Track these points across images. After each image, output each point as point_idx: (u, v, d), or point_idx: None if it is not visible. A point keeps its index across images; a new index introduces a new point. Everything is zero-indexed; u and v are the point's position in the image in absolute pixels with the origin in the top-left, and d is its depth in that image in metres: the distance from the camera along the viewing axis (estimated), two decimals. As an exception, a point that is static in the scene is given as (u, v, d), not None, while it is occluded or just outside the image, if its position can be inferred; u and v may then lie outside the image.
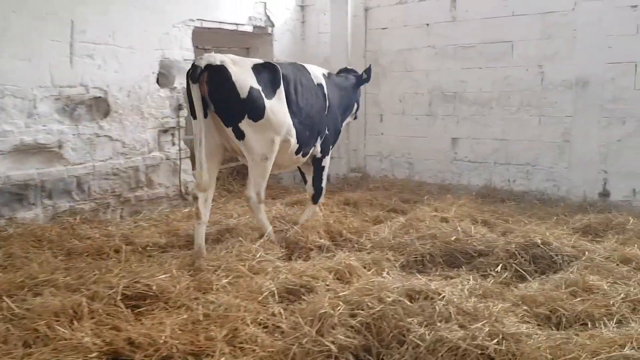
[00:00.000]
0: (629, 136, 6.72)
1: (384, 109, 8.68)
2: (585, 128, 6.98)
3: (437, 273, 4.74)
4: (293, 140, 5.36)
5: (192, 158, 8.24)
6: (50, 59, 5.99)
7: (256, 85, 4.93)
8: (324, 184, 6.12)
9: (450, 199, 6.90)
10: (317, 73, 5.89)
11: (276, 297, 3.86)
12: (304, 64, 5.95)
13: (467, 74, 7.84)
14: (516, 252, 4.65)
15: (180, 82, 7.35)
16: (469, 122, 7.93)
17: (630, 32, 6.58)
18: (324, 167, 6.04)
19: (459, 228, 5.31)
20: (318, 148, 5.90)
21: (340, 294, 3.50)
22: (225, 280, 4.27)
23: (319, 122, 5.74)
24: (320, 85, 5.80)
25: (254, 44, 8.86)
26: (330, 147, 6.12)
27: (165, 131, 7.33)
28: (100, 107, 6.58)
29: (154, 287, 3.96)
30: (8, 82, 5.68)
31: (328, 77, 6.06)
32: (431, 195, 7.58)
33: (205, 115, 4.86)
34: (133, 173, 6.92)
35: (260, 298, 3.81)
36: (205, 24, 7.59)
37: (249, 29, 8.32)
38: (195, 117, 4.85)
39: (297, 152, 5.56)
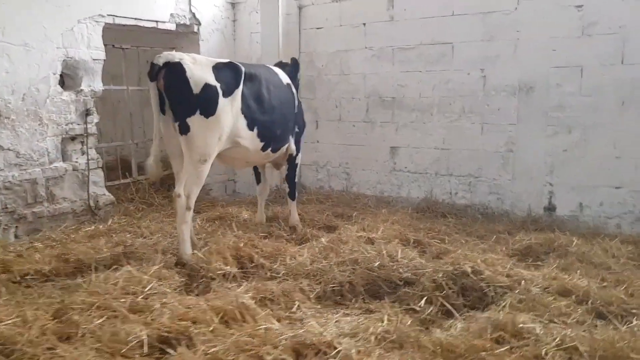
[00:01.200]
0: (576, 146, 6.25)
1: (320, 114, 8.05)
2: (530, 137, 6.49)
3: (357, 305, 4.17)
4: (244, 141, 5.36)
5: (105, 168, 7.52)
6: None
7: (213, 83, 4.93)
8: (296, 180, 6.44)
9: (383, 215, 6.31)
10: (282, 72, 6.06)
11: (145, 348, 3.15)
12: (268, 66, 6.13)
13: (406, 77, 7.27)
14: (444, 283, 4.06)
15: (89, 84, 6.59)
16: (409, 130, 7.36)
17: (575, 34, 6.11)
18: (297, 164, 6.35)
19: (384, 252, 4.70)
20: (293, 146, 6.15)
21: (213, 349, 2.82)
22: (97, 322, 3.55)
23: (292, 119, 6.02)
24: (288, 84, 6.01)
25: (179, 44, 8.12)
26: (301, 143, 6.39)
27: (73, 139, 6.55)
28: (-13, 112, 5.77)
29: (-5, 335, 3.21)
30: None
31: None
32: (367, 210, 7.00)
33: (163, 112, 4.97)
34: (30, 187, 6.11)
35: (124, 350, 3.10)
36: (118, 20, 6.83)
37: (171, 27, 7.58)
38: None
39: (264, 149, 5.65)
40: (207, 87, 4.88)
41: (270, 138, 5.65)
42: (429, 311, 3.89)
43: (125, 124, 7.95)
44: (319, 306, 4.15)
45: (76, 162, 6.58)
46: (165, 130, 5.05)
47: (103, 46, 6.67)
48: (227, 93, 5.02)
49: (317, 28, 7.88)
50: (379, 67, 7.46)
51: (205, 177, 5.15)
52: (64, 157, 6.50)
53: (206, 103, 4.90)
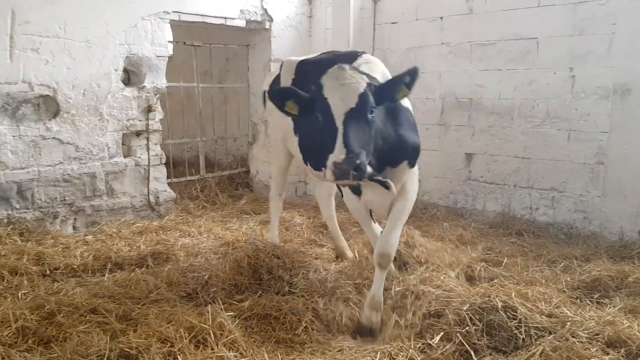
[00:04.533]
0: (683, 160, 5.19)
1: (392, 116, 7.49)
2: (625, 148, 5.49)
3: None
4: None
5: (172, 164, 7.57)
6: (-17, 52, 5.42)
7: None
8: None
9: (444, 229, 5.69)
10: None
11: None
12: None
13: (485, 77, 6.51)
14: (468, 317, 3.43)
15: (152, 80, 6.62)
16: (486, 135, 6.59)
17: (687, 26, 5.06)
18: None
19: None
20: None
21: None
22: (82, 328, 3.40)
23: None
24: None
25: (251, 41, 7.98)
26: None
27: (138, 135, 6.63)
28: (49, 106, 5.95)
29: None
30: None
31: None
32: (433, 221, 6.35)
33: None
34: (89, 180, 6.24)
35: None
36: (184, 17, 6.79)
37: (241, 23, 7.43)
38: None
39: None
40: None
41: None
42: (446, 348, 3.30)
43: (195, 121, 7.97)
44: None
45: (139, 157, 6.64)
46: None
47: (167, 43, 6.66)
48: None
49: (392, 23, 7.32)
50: (455, 65, 6.77)
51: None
52: (129, 152, 6.60)
53: None
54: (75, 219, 6.21)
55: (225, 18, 7.23)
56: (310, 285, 4.23)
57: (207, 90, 8.17)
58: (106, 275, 4.56)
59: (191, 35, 7.80)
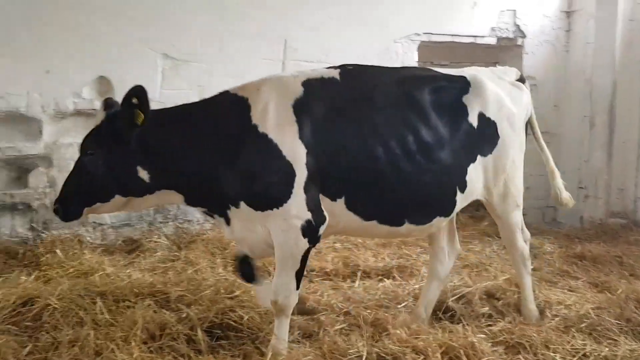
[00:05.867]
0: None
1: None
2: None
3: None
4: None
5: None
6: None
7: None
8: None
9: None
10: None
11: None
12: None
13: None
14: None
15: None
16: None
17: None
18: None
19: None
20: None
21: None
22: None
23: None
24: None
25: (501, 58, 7.77)
26: None
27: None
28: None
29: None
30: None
31: None
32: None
33: None
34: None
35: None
36: (434, 38, 6.94)
37: (492, 41, 7.31)
38: None
39: None
40: None
41: None
42: None
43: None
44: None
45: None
46: None
47: (416, 63, 6.85)
48: None
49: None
50: None
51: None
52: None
53: None
54: (325, 227, 6.69)
55: (475, 37, 7.20)
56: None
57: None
58: (357, 282, 4.82)
59: (434, 54, 7.89)
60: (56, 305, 3.74)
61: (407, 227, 3.59)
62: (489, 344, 3.38)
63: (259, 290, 3.72)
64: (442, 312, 4.08)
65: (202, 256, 5.23)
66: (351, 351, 3.21)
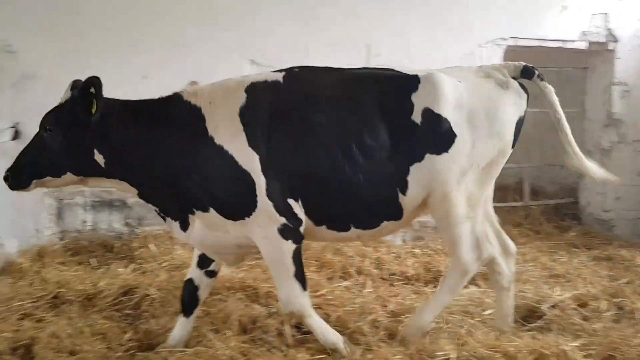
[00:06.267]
0: None
1: None
2: None
3: None
4: None
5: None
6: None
7: None
8: None
9: None
10: None
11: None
12: None
13: None
14: None
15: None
16: None
17: None
18: None
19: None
20: None
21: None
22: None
23: None
24: None
25: (591, 62, 7.49)
26: None
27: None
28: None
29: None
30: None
31: None
32: None
33: None
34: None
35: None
36: (520, 42, 6.79)
37: (582, 45, 7.06)
38: None
39: None
40: None
41: None
42: None
43: (519, 146, 7.82)
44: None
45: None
46: None
47: (501, 69, 6.73)
48: None
49: None
50: None
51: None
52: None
53: None
54: (404, 232, 6.67)
55: (563, 41, 6.98)
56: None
57: (535, 115, 7.96)
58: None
59: (518, 59, 7.68)
60: (154, 296, 3.98)
61: (354, 231, 3.53)
62: (582, 354, 3.27)
63: (176, 327, 3.59)
64: (531, 320, 4.00)
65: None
66: (439, 353, 3.21)
